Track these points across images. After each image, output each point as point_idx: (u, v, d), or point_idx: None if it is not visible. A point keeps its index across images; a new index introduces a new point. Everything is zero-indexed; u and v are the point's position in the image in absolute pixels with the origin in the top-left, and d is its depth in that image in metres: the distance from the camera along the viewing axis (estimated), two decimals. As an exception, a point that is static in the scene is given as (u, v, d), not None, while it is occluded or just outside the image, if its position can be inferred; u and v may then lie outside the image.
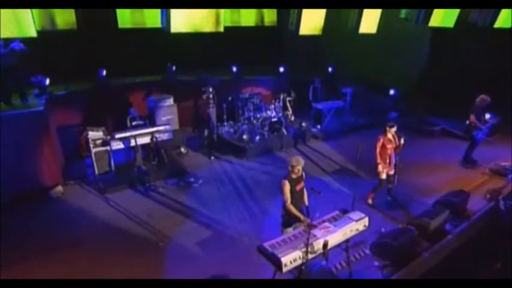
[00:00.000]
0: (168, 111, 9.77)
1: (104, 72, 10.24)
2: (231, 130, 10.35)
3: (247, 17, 13.92)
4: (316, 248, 4.47)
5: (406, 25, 11.63)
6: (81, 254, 5.93)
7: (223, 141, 9.95)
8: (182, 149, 9.69)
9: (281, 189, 5.10)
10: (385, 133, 6.94)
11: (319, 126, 11.02)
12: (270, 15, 14.60)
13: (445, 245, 5.94)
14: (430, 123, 11.06)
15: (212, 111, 9.75)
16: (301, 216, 4.98)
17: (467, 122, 10.03)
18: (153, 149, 8.55)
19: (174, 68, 11.18)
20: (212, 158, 9.53)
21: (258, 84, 11.94)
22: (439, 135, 10.91)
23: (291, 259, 4.31)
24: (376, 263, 5.66)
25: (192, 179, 8.42)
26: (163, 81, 10.72)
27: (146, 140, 8.23)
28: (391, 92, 11.76)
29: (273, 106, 10.10)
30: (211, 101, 9.60)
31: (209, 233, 6.51)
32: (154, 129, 8.25)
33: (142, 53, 10.37)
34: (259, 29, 13.97)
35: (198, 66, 10.97)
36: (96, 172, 8.13)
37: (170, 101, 9.85)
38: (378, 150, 6.92)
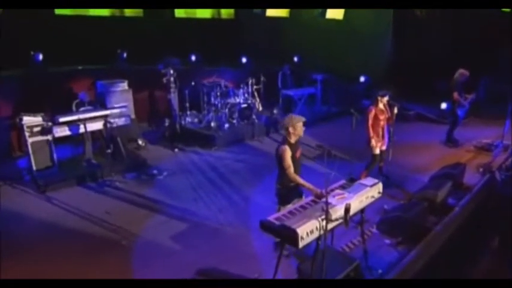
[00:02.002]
0: (122, 97, 8.60)
1: (40, 57, 8.91)
2: (195, 120, 9.52)
3: (202, 9, 13.48)
4: (334, 216, 3.70)
5: (368, 14, 11.92)
6: (27, 261, 4.69)
7: (187, 132, 9.14)
8: (140, 142, 8.58)
9: (281, 157, 4.37)
10: (376, 103, 6.50)
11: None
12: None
13: (454, 217, 5.53)
14: (404, 108, 10.94)
15: (173, 96, 8.80)
16: (310, 186, 4.28)
17: (445, 105, 10.23)
18: (106, 138, 7.35)
19: (125, 55, 10.11)
20: (176, 150, 8.56)
21: (221, 74, 11.24)
22: (414, 119, 10.88)
23: (307, 230, 3.51)
24: (388, 241, 5.05)
25: (155, 171, 7.38)
26: (114, 69, 9.57)
27: (98, 126, 7.05)
28: (362, 79, 11.55)
29: (241, 91, 9.37)
30: (173, 85, 8.66)
31: (184, 226, 5.60)
32: (108, 112, 7.09)
33: (88, 41, 9.46)
34: (216, 22, 13.67)
35: (153, 55, 10.03)
36: (34, 168, 6.78)
37: (124, 85, 8.70)
38: (370, 122, 6.46)
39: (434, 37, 12.52)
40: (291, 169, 4.34)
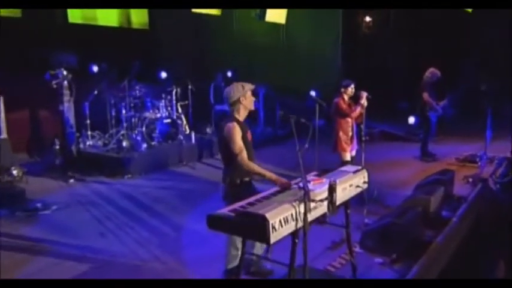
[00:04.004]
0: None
1: None
2: (99, 143, 8.83)
3: (106, 16, 13.19)
4: (313, 204, 3.23)
5: (311, 26, 12.70)
6: None
7: (88, 157, 8.45)
8: (14, 171, 7.48)
9: (229, 138, 3.92)
10: (341, 97, 6.40)
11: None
12: (139, 17, 14.18)
13: (455, 228, 5.41)
14: (366, 126, 11.21)
15: (68, 108, 8.00)
16: (272, 175, 3.85)
17: (413, 119, 10.65)
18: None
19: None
20: (71, 181, 7.65)
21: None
22: (378, 138, 11.10)
23: (281, 218, 2.97)
24: (379, 260, 4.66)
25: (38, 205, 6.49)
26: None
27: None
28: (312, 93, 11.67)
29: (163, 103, 8.88)
30: (66, 92, 7.89)
31: (86, 267, 4.79)
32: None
33: None
34: (125, 31, 13.39)
35: (35, 64, 9.27)
36: None
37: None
38: (338, 119, 6.40)
39: (388, 53, 13.49)
40: (244, 153, 3.86)
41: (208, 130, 10.02)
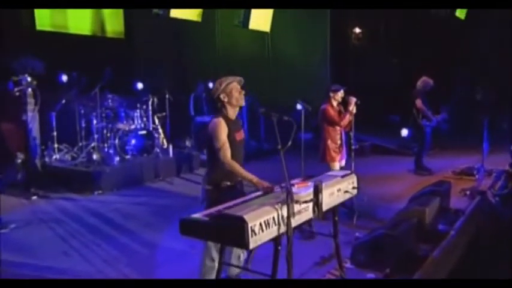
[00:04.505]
0: None
1: None
2: (67, 156, 8.66)
3: (78, 24, 13.15)
4: (297, 207, 3.12)
5: (298, 38, 12.91)
6: None
7: (54, 172, 8.32)
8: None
9: (212, 134, 3.79)
10: (329, 103, 6.35)
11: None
12: (114, 25, 14.17)
13: (453, 242, 5.34)
14: (357, 140, 11.23)
15: (32, 118, 7.82)
16: (254, 177, 3.76)
17: (406, 132, 10.70)
18: None
19: None
20: (34, 197, 7.45)
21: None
22: (369, 152, 11.16)
23: (261, 220, 2.85)
24: (371, 275, 4.54)
25: None
26: None
27: None
28: (298, 106, 11.64)
29: (138, 113, 8.77)
30: (31, 101, 7.72)
31: None
32: None
33: None
34: (98, 40, 13.38)
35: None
36: None
37: None
38: (326, 127, 6.32)
39: (379, 64, 13.68)
40: (227, 151, 3.73)
41: (187, 143, 9.94)
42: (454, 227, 5.87)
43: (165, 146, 9.72)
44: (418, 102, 8.60)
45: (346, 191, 3.86)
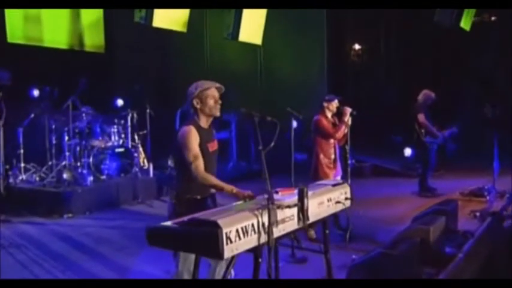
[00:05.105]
0: None
1: None
2: (35, 177, 8.62)
3: (54, 37, 13.22)
4: (281, 215, 3.01)
5: (293, 52, 13.14)
6: None
7: (19, 194, 8.28)
8: None
9: (182, 144, 3.66)
10: (323, 112, 6.33)
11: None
12: (93, 39, 14.25)
13: (461, 265, 5.23)
14: (356, 160, 11.23)
15: (-5, 134, 7.76)
16: (231, 187, 3.61)
17: (409, 151, 10.67)
18: None
19: None
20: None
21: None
22: (370, 174, 11.19)
23: (238, 227, 2.72)
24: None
25: None
26: None
27: None
28: (294, 124, 11.64)
29: (114, 128, 8.77)
30: (-5, 115, 7.66)
31: None
32: None
33: None
34: (76, 54, 13.46)
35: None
36: None
37: None
38: (319, 139, 6.34)
39: (380, 82, 13.81)
40: (200, 162, 3.59)
41: (170, 163, 9.81)
42: (463, 249, 5.79)
43: (145, 165, 9.68)
44: (421, 117, 8.57)
45: (338, 201, 3.73)
